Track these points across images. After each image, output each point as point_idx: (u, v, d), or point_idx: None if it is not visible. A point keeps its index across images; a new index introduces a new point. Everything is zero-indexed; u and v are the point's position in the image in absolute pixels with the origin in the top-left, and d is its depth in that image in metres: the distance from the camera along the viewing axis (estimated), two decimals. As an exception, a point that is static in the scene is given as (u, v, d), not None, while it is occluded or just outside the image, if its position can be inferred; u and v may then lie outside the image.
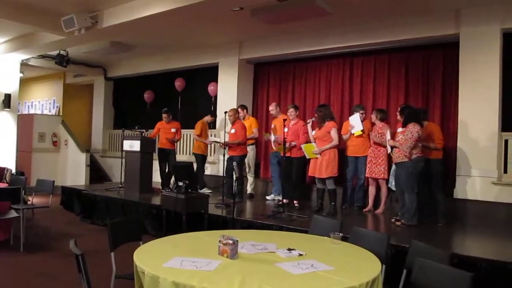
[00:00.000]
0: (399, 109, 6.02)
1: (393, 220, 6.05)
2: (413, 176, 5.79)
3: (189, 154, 10.64)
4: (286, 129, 6.98)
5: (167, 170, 9.27)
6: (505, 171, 6.60)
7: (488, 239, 5.67)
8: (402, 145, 5.72)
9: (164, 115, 9.29)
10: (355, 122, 7.03)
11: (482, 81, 6.63)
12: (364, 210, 7.05)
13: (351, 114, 7.45)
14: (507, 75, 6.68)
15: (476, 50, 6.71)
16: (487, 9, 6.59)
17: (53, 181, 6.90)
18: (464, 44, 6.86)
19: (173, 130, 9.28)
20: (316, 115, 6.89)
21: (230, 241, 2.75)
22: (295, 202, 7.28)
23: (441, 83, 7.55)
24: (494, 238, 5.68)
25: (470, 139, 6.71)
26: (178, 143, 10.73)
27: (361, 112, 7.11)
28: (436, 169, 6.14)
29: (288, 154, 7.03)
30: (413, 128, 5.71)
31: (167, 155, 9.22)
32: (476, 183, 6.62)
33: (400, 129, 6.01)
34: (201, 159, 8.99)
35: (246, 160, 8.23)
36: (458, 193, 6.75)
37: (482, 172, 6.56)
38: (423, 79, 7.75)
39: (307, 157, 6.89)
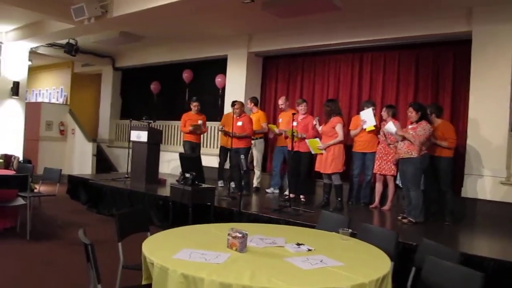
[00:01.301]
0: (410, 106, 5.95)
1: (399, 217, 6.02)
2: (419, 172, 5.80)
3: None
4: (295, 123, 6.95)
5: None
6: (514, 171, 6.56)
7: (496, 239, 5.63)
8: (415, 138, 5.68)
9: (194, 104, 8.82)
10: (368, 117, 6.95)
11: (494, 80, 6.58)
12: (370, 206, 7.03)
13: (360, 109, 7.40)
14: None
15: (488, 48, 6.65)
16: (500, 7, 6.52)
17: (60, 170, 6.92)
18: (476, 42, 6.80)
19: (200, 122, 8.86)
20: (323, 109, 6.87)
21: (239, 235, 2.73)
22: (301, 196, 7.27)
23: (451, 81, 7.48)
24: (502, 238, 5.63)
25: (480, 138, 6.66)
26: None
27: (372, 108, 7.04)
28: (446, 167, 6.09)
29: (296, 149, 7.02)
30: (426, 126, 5.71)
31: (193, 149, 8.87)
32: (484, 182, 6.58)
33: (410, 126, 5.97)
34: (224, 152, 8.50)
35: (254, 154, 8.22)
36: (467, 192, 6.71)
37: (491, 172, 6.52)
38: (433, 77, 7.69)
39: (313, 152, 6.86)
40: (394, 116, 6.80)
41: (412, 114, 5.84)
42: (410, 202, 5.86)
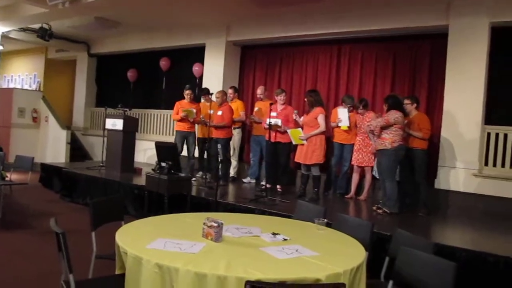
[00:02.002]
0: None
1: (374, 208, 6.10)
2: (394, 164, 5.85)
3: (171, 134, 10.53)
4: (274, 113, 6.93)
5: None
6: (486, 164, 6.69)
7: (468, 230, 5.75)
8: (377, 122, 5.79)
9: (187, 92, 8.32)
10: (343, 117, 6.96)
11: (469, 74, 6.67)
12: (346, 196, 7.08)
13: (338, 101, 7.42)
14: (493, 69, 6.72)
15: (464, 42, 6.73)
16: (477, 2, 6.60)
17: (33, 158, 6.76)
18: (452, 36, 6.87)
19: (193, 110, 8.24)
20: (305, 99, 6.85)
21: (215, 224, 2.71)
22: (278, 187, 7.28)
23: (427, 74, 7.56)
24: (474, 229, 5.76)
25: (454, 131, 6.77)
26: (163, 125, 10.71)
27: (349, 106, 7.04)
28: (421, 159, 6.18)
29: (274, 139, 7.00)
30: (395, 114, 5.76)
31: (185, 139, 8.33)
32: (457, 174, 6.69)
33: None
34: (202, 142, 8.30)
35: (231, 143, 8.18)
36: (440, 184, 6.82)
37: (464, 164, 6.64)
38: (410, 69, 7.75)
39: (294, 143, 6.84)
40: (366, 107, 6.85)
41: (385, 106, 5.96)
42: (386, 193, 5.93)
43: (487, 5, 6.55)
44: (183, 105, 8.38)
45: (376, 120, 5.98)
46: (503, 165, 6.60)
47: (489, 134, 6.72)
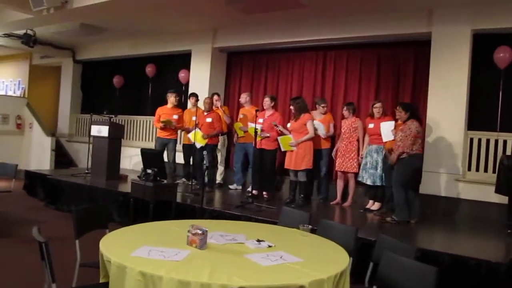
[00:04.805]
0: (398, 105, 6.03)
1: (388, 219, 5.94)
2: (406, 172, 5.73)
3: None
4: (261, 120, 6.96)
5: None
6: (469, 169, 6.79)
7: (450, 235, 5.81)
8: (403, 141, 5.71)
9: (172, 96, 8.42)
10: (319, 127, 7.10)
11: (451, 80, 6.77)
12: (331, 203, 7.11)
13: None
14: (476, 76, 6.84)
15: (447, 49, 6.84)
16: (459, 9, 6.71)
17: (16, 165, 6.69)
18: (435, 43, 6.98)
19: (175, 116, 8.37)
20: (292, 107, 6.86)
21: (199, 231, 2.72)
22: (264, 193, 7.29)
23: (411, 80, 7.65)
24: (456, 233, 5.82)
25: (437, 136, 6.85)
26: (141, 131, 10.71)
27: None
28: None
29: (259, 146, 7.02)
30: (412, 125, 5.71)
31: (164, 146, 8.40)
32: (441, 179, 6.77)
33: (392, 123, 6.11)
34: (188, 149, 8.39)
35: (218, 150, 8.18)
36: (424, 189, 6.89)
37: (448, 169, 6.72)
38: (394, 76, 7.84)
39: (282, 149, 6.85)
40: (354, 113, 6.93)
41: (401, 114, 5.90)
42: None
43: (469, 12, 6.66)
44: (165, 111, 8.43)
45: (404, 142, 5.72)
46: (485, 170, 6.71)
47: (471, 139, 6.83)
